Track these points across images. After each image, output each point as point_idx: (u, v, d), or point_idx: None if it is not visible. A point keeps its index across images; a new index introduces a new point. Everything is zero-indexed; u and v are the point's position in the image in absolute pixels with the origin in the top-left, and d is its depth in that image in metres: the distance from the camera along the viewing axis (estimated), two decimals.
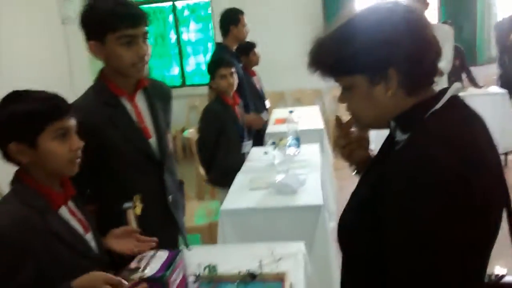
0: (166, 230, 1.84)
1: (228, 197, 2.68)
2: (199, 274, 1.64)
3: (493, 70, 6.14)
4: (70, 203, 1.43)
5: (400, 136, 1.07)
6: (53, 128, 1.31)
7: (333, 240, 2.40)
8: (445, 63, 4.10)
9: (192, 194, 4.25)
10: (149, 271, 1.38)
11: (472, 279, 1.03)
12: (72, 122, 1.36)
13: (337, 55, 1.07)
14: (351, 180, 1.32)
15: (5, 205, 1.30)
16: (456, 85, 1.09)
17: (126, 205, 1.48)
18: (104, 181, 1.74)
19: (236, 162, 3.25)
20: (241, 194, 2.70)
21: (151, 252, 1.49)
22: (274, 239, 2.10)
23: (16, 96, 1.32)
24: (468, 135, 1.01)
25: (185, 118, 6.78)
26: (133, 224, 1.51)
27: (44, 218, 1.29)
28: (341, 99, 1.14)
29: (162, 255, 1.47)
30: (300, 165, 3.06)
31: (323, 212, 2.40)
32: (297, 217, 2.44)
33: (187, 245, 1.98)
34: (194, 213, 3.66)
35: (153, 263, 1.43)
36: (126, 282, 1.27)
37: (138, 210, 1.56)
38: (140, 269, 1.38)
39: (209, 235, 3.32)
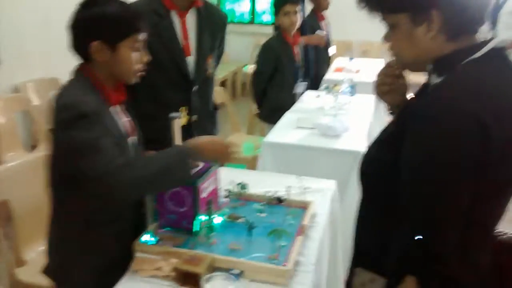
0: None
1: (273, 131, 2.77)
2: (231, 190, 1.77)
3: None
4: (122, 107, 1.56)
5: (435, 79, 1.10)
6: (134, 38, 1.42)
7: None
8: None
9: (244, 128, 4.39)
10: None
11: (478, 225, 1.07)
12: (145, 37, 1.47)
13: None
14: None
15: (73, 87, 1.41)
16: (501, 37, 1.09)
17: (174, 114, 1.59)
18: (140, 88, 1.79)
19: (287, 100, 3.31)
20: (286, 131, 2.78)
21: None
22: (311, 177, 2.18)
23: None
24: (500, 87, 1.02)
25: (250, 56, 6.82)
26: (178, 133, 1.62)
27: (101, 109, 1.40)
28: (386, 37, 1.16)
29: (199, 165, 1.60)
30: (350, 112, 3.08)
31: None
32: (336, 160, 2.51)
33: None
34: (242, 146, 3.81)
35: None
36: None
37: (184, 120, 1.68)
38: None
39: (253, 167, 3.46)
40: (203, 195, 1.53)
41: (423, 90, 1.19)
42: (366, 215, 1.27)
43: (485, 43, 1.06)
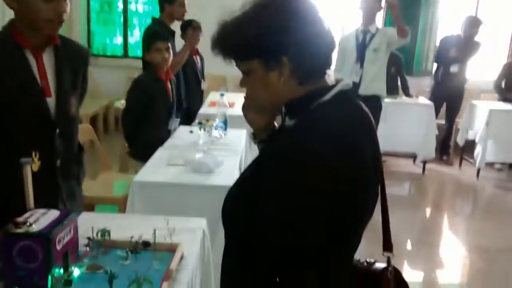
0: (46, 191, 1.76)
1: (143, 170, 2.69)
2: (92, 238, 1.65)
3: (427, 82, 6.47)
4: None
5: (288, 122, 1.14)
6: None
7: None
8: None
9: (116, 166, 4.21)
10: (36, 227, 1.38)
11: (339, 258, 1.11)
12: None
13: (235, 39, 1.11)
14: None
15: None
16: (346, 81, 1.17)
17: (24, 160, 1.46)
18: None
19: (161, 137, 3.26)
20: (157, 168, 2.72)
21: (43, 210, 1.49)
22: (183, 215, 2.13)
23: None
24: (347, 129, 1.09)
25: (123, 90, 6.63)
26: (28, 180, 1.49)
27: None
28: (242, 83, 1.19)
29: (54, 214, 1.47)
30: (223, 148, 3.11)
31: None
32: (209, 197, 2.49)
33: None
34: (113, 184, 3.63)
35: (42, 220, 1.43)
36: None
37: (36, 166, 1.54)
38: (27, 224, 1.38)
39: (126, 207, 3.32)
40: (59, 247, 1.40)
41: (280, 130, 1.22)
42: (229, 254, 1.26)
43: (333, 86, 1.13)
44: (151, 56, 3.29)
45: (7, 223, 1.40)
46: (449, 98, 5.92)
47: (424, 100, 5.87)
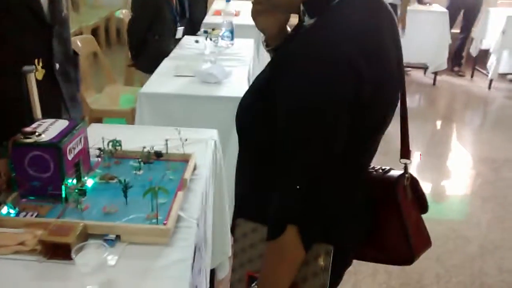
0: (48, 98, 1.70)
1: (150, 81, 2.62)
2: (103, 148, 1.63)
3: None
4: None
5: (307, 21, 1.05)
6: None
7: None
8: None
9: (121, 79, 4.13)
10: (46, 137, 1.34)
11: (352, 166, 1.08)
12: None
13: None
14: None
15: None
16: None
17: (26, 68, 1.39)
18: None
19: (169, 47, 3.14)
20: (165, 80, 2.64)
21: (51, 120, 1.45)
22: (192, 127, 2.10)
23: None
24: (372, 28, 1.01)
25: (122, 0, 6.37)
26: (34, 89, 1.43)
27: None
28: None
29: (62, 123, 1.43)
30: (230, 58, 3.01)
31: None
32: (218, 108, 2.44)
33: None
34: (120, 98, 3.58)
35: (51, 129, 1.39)
36: None
37: (40, 75, 1.48)
38: (36, 134, 1.34)
39: (134, 120, 3.29)
40: (69, 156, 1.38)
41: (297, 31, 1.13)
42: (244, 165, 1.23)
43: None
44: None
45: (13, 134, 1.36)
46: (466, 5, 5.64)
47: (438, 7, 5.60)
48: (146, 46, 3.24)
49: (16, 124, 1.49)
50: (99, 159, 1.61)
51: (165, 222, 1.30)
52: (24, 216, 1.30)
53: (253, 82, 1.19)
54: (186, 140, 1.68)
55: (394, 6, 5.10)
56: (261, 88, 1.10)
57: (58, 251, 1.19)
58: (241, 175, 1.25)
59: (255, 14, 1.17)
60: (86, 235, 1.24)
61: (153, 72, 2.88)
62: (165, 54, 3.05)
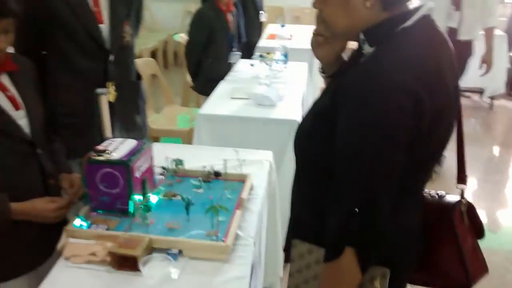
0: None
1: (208, 103, 2.72)
2: (166, 167, 1.72)
3: (507, 10, 5.98)
4: (5, 79, 1.43)
5: (367, 49, 1.09)
6: None
7: None
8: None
9: (178, 100, 4.29)
10: (116, 155, 1.45)
11: (409, 191, 1.10)
12: (1, 23, 1.31)
13: None
14: None
15: None
16: (429, 4, 1.10)
17: (100, 90, 1.50)
18: (51, 58, 1.78)
19: (222, 70, 3.25)
20: (221, 102, 2.74)
21: (120, 139, 1.56)
22: (247, 148, 2.17)
23: None
24: (430, 56, 1.04)
25: (180, 24, 6.62)
26: (105, 111, 1.54)
27: None
28: (316, 4, 1.13)
29: (130, 143, 1.53)
30: (284, 81, 3.08)
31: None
32: (272, 130, 2.51)
33: None
34: (177, 118, 3.72)
35: (121, 148, 1.49)
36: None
37: (112, 97, 1.59)
38: (107, 152, 1.45)
39: (189, 140, 3.41)
40: (137, 174, 1.47)
41: (355, 59, 1.18)
42: (301, 186, 1.27)
43: (415, 10, 1.07)
44: None
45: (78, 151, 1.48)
46: None
47: (497, 31, 5.47)
48: (201, 68, 3.36)
49: (83, 142, 1.61)
50: (162, 176, 1.71)
51: (224, 239, 1.36)
52: (95, 229, 1.40)
53: (312, 107, 1.24)
54: (244, 161, 1.74)
55: (453, 30, 5.01)
56: (321, 113, 1.15)
57: (125, 262, 1.27)
58: (298, 196, 1.29)
59: (315, 45, 1.22)
60: (151, 249, 1.32)
61: (207, 94, 2.99)
62: (219, 77, 3.15)
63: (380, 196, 0.99)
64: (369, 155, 0.97)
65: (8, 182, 1.38)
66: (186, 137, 3.42)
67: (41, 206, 1.41)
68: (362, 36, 1.09)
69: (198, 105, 4.03)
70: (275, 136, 2.49)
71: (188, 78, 3.81)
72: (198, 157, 1.86)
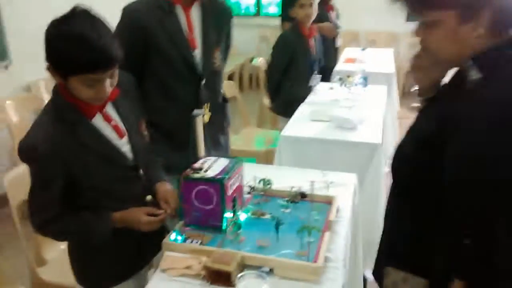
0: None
1: (289, 125, 2.76)
2: (254, 186, 1.76)
3: None
4: (109, 108, 1.48)
5: (475, 75, 1.06)
6: (84, 77, 1.30)
7: (384, 182, 2.45)
8: None
9: (253, 121, 4.38)
10: (211, 173, 1.51)
11: None
12: (107, 73, 1.34)
13: None
14: None
15: (41, 119, 1.39)
16: None
17: (196, 112, 1.58)
18: (148, 83, 1.89)
19: (302, 93, 3.29)
20: (302, 124, 2.77)
21: (214, 157, 1.62)
22: (327, 170, 2.17)
23: (74, 25, 1.29)
24: None
25: (256, 49, 6.80)
26: (200, 131, 1.62)
27: (75, 130, 1.38)
28: (419, 33, 1.12)
29: (223, 161, 1.59)
30: (364, 104, 3.06)
31: (379, 151, 2.44)
32: (354, 152, 2.49)
33: None
34: (254, 139, 3.81)
35: (214, 166, 1.55)
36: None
37: (207, 118, 1.66)
38: (203, 170, 1.51)
39: (265, 161, 3.46)
40: (229, 192, 1.52)
41: (460, 84, 1.15)
42: (398, 213, 1.25)
43: None
44: (294, 12, 3.29)
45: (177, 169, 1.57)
46: None
47: None
48: (281, 90, 3.41)
49: (178, 160, 1.69)
50: (250, 195, 1.75)
51: (314, 260, 1.36)
52: (189, 243, 1.46)
53: (411, 131, 1.23)
54: (332, 182, 1.75)
55: None
56: (425, 140, 1.13)
57: (219, 277, 1.31)
58: (393, 223, 1.27)
59: (415, 68, 1.22)
60: (243, 265, 1.35)
61: (285, 115, 3.04)
62: (299, 99, 3.20)
63: (496, 225, 0.95)
64: (486, 182, 0.95)
65: (114, 203, 1.48)
66: (261, 158, 3.49)
67: (133, 217, 1.48)
68: (470, 63, 1.07)
69: (273, 127, 4.09)
70: (356, 159, 2.47)
71: (265, 100, 3.88)
72: (283, 178, 1.88)
